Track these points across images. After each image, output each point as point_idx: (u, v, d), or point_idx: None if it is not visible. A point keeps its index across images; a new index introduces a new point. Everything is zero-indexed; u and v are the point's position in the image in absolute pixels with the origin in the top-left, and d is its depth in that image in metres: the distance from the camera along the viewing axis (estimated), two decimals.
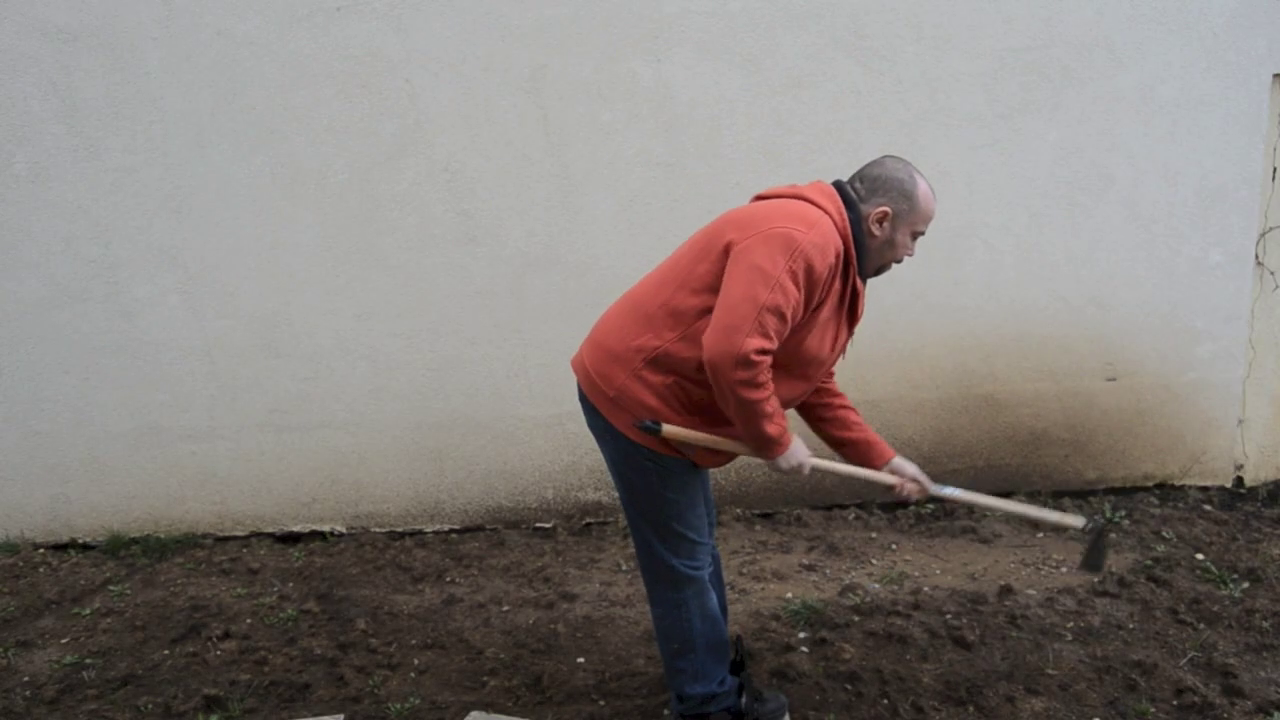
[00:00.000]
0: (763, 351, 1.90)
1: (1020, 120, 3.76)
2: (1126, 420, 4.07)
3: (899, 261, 2.16)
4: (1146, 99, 3.77)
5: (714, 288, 1.99)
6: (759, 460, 2.14)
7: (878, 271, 2.17)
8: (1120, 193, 3.85)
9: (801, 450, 2.12)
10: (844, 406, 2.38)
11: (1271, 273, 4.02)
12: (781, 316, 1.91)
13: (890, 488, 2.29)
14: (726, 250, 1.98)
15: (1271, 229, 3.99)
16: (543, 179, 3.68)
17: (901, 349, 3.91)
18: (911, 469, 2.32)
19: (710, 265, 2.01)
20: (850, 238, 2.03)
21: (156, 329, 3.71)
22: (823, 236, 1.95)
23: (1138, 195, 3.86)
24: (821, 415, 2.38)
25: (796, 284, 1.91)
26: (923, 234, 2.13)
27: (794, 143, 3.68)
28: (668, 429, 2.06)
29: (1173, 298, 3.96)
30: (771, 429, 2.00)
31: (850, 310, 2.13)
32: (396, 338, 3.77)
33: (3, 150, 3.53)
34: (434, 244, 3.71)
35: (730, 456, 2.18)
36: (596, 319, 2.28)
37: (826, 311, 2.05)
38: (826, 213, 2.00)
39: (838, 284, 2.03)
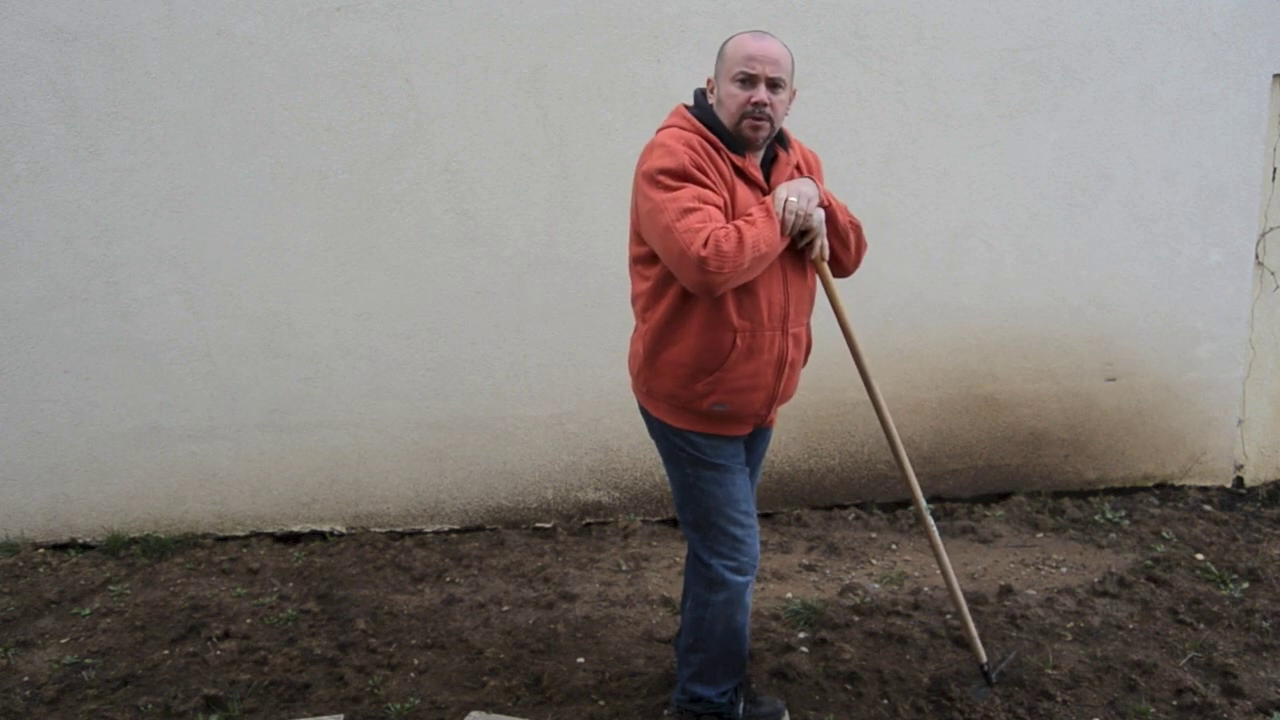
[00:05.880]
0: (705, 244, 1.92)
1: (1020, 120, 3.76)
2: (1126, 420, 4.07)
3: (759, 116, 2.06)
4: (1146, 99, 3.77)
5: (642, 258, 2.15)
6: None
7: (743, 135, 2.09)
8: (1120, 193, 3.85)
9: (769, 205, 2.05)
10: None
11: (1271, 273, 4.02)
12: (692, 206, 1.96)
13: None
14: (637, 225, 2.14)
15: (1271, 229, 3.99)
16: (543, 179, 3.68)
17: (901, 349, 3.91)
18: (808, 192, 2.11)
19: (637, 246, 2.17)
20: (703, 125, 2.11)
21: (156, 329, 3.71)
22: (664, 145, 2.04)
23: (1138, 195, 3.86)
24: None
25: (675, 186, 1.99)
26: (749, 73, 2.07)
27: None
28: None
29: (1173, 298, 3.96)
30: (770, 233, 1.99)
31: (756, 185, 2.14)
32: (396, 338, 3.77)
33: (3, 150, 3.53)
34: (434, 244, 3.71)
35: (762, 392, 2.18)
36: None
37: (741, 194, 2.10)
38: (666, 128, 2.14)
39: (722, 166, 2.08)
